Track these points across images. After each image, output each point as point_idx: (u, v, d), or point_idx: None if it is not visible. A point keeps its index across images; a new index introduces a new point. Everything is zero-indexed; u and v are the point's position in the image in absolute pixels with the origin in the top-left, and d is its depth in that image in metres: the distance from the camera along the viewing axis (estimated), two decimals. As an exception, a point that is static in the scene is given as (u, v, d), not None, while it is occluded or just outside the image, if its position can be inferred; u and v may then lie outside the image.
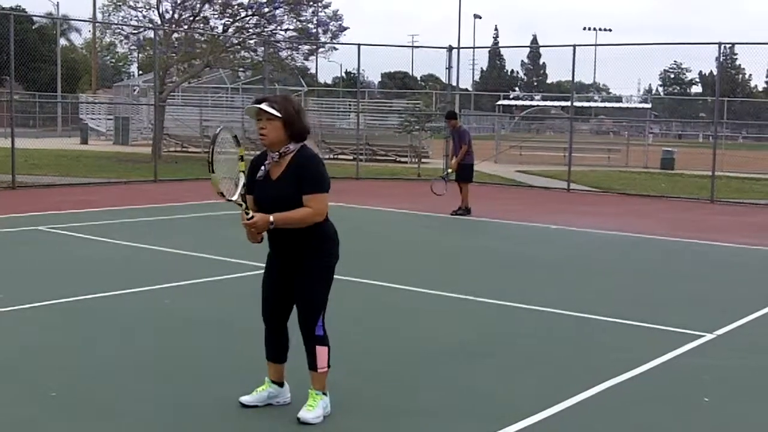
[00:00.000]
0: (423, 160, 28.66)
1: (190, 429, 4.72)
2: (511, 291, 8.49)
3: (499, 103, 47.31)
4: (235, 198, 4.58)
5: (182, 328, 6.81)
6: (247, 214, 4.56)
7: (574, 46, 21.39)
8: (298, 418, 4.71)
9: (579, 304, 7.94)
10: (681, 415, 5.18)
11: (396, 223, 14.25)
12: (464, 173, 15.19)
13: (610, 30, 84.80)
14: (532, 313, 7.63)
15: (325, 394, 4.81)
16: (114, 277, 8.73)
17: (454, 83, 25.63)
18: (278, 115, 4.57)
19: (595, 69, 55.51)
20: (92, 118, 43.47)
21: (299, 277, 4.73)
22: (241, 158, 4.68)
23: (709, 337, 6.90)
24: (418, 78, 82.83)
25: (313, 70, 35.44)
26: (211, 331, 6.73)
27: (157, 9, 27.97)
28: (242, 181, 4.65)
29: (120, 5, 28.90)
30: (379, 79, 79.53)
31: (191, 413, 4.91)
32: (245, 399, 4.97)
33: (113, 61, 74.48)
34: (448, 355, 6.24)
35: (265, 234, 4.69)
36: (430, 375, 5.77)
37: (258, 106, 4.60)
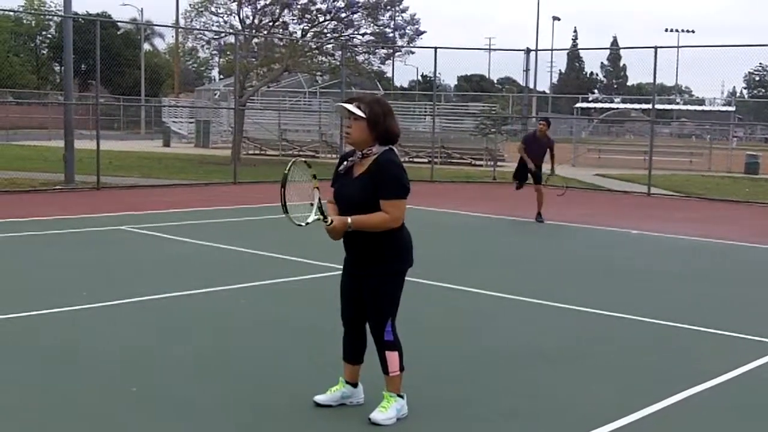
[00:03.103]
0: (498, 163, 28.45)
1: (266, 427, 4.77)
2: (590, 297, 8.37)
3: (578, 105, 46.66)
4: (310, 221, 4.60)
5: (258, 328, 6.90)
6: (326, 221, 4.59)
7: (656, 47, 21.01)
8: (369, 419, 4.73)
9: (659, 311, 7.78)
10: (765, 429, 5.03)
11: (472, 227, 14.19)
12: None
13: (692, 31, 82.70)
14: (610, 320, 7.50)
15: (401, 396, 4.81)
16: (192, 276, 8.90)
17: (531, 86, 25.38)
18: (362, 115, 4.59)
19: (677, 71, 54.23)
20: (174, 121, 44.36)
21: (368, 282, 4.74)
22: (314, 176, 4.72)
23: (795, 346, 6.68)
24: (495, 81, 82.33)
25: (389, 74, 35.50)
26: (286, 331, 6.79)
27: (238, 15, 28.47)
28: (317, 197, 4.65)
29: (202, 11, 29.49)
30: (455, 82, 79.34)
31: (268, 411, 4.96)
32: (319, 398, 5.01)
33: (195, 65, 75.94)
34: (526, 360, 6.18)
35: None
36: (508, 380, 5.72)
37: (346, 105, 4.66)
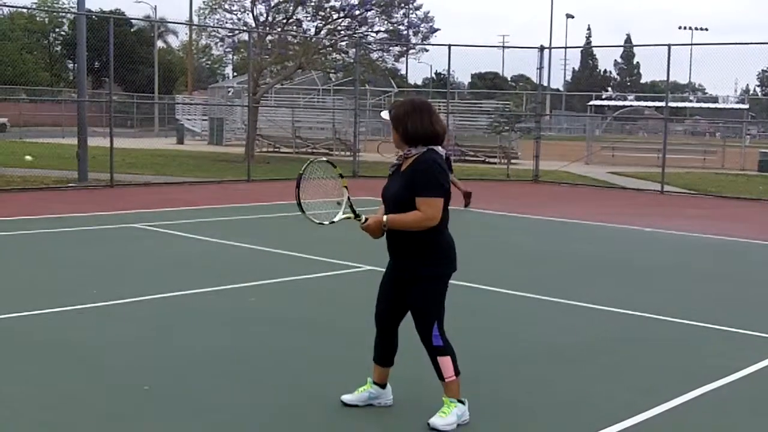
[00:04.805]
0: (512, 160, 28.42)
1: (288, 428, 4.75)
2: (603, 294, 8.35)
3: (591, 103, 46.58)
4: (337, 219, 4.64)
5: (271, 326, 6.90)
6: (360, 219, 4.59)
7: (669, 45, 20.93)
8: (428, 424, 4.64)
9: (671, 308, 7.77)
10: (779, 425, 5.02)
11: (484, 225, 14.17)
12: None
13: (706, 29, 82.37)
14: (622, 318, 7.49)
15: (461, 402, 4.73)
16: (205, 273, 8.93)
17: (545, 83, 25.33)
18: (387, 118, 4.70)
19: (690, 69, 54.12)
20: (188, 119, 44.45)
21: (411, 286, 4.71)
22: (341, 176, 4.75)
23: (809, 345, 6.65)
24: (509, 78, 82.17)
25: (403, 72, 35.36)
26: (302, 330, 6.79)
27: (252, 12, 28.49)
28: (346, 196, 4.70)
29: (215, 8, 29.56)
30: (469, 80, 79.21)
31: (288, 412, 4.93)
32: (346, 398, 4.96)
33: (209, 63, 76.17)
34: (539, 358, 6.18)
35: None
36: (520, 377, 5.72)
37: (382, 113, 4.82)
